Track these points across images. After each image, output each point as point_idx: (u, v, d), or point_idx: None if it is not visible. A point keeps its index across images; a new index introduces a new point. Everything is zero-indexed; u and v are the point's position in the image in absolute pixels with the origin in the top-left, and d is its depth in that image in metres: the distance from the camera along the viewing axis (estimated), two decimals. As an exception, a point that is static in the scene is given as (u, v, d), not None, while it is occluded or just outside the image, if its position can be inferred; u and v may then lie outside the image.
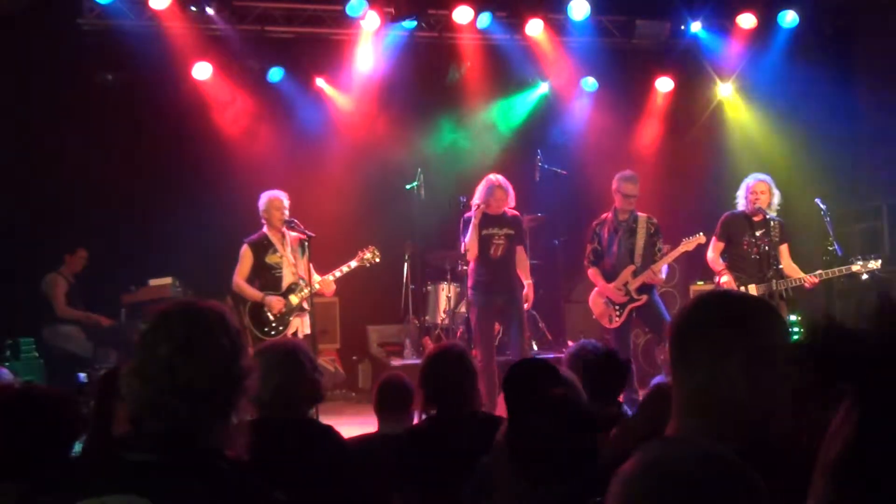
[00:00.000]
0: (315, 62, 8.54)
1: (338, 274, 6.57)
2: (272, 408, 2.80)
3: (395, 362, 8.16)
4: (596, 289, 6.69)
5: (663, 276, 6.82)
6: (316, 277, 6.48)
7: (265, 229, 6.49)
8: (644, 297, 6.46)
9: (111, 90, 7.89)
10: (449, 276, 8.21)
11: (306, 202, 7.52)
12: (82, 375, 5.18)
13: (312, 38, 8.59)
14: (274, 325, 6.36)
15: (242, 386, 1.70)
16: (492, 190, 6.55)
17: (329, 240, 6.98)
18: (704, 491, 1.07)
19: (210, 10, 7.80)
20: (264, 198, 6.50)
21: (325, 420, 3.94)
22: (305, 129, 8.55)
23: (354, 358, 8.72)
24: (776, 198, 6.37)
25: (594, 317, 6.84)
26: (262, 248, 6.46)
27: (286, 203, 6.46)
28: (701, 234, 6.46)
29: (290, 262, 6.47)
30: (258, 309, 6.32)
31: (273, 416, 2.80)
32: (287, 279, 6.46)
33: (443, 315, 8.18)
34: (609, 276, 6.57)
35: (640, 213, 6.66)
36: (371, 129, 8.64)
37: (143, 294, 7.79)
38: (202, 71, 8.08)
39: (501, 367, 6.59)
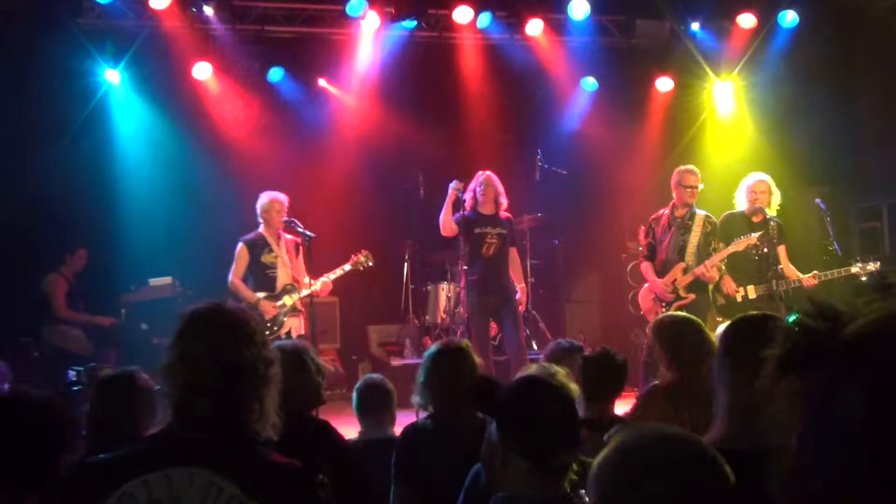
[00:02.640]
0: (315, 62, 8.54)
1: (332, 276, 6.59)
2: None
3: (395, 362, 8.16)
4: (646, 284, 6.67)
5: (716, 274, 6.39)
6: (323, 276, 6.54)
7: (261, 229, 6.53)
8: (692, 296, 6.32)
9: (111, 90, 7.89)
10: (449, 276, 8.21)
11: (306, 202, 7.52)
12: (72, 373, 5.17)
13: (312, 38, 8.59)
14: (268, 325, 6.38)
15: (272, 371, 1.89)
16: (481, 182, 6.59)
17: (329, 240, 6.99)
18: (664, 470, 1.19)
19: (209, 10, 7.80)
20: (265, 198, 6.53)
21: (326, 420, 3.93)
22: (305, 129, 8.55)
23: (354, 358, 8.72)
24: (775, 198, 6.36)
25: (641, 312, 6.78)
26: (258, 247, 6.51)
27: (286, 205, 6.49)
28: (753, 234, 6.21)
29: (286, 263, 6.51)
30: (252, 309, 6.34)
31: None
32: (282, 280, 6.52)
33: (443, 315, 8.18)
34: (658, 273, 6.49)
35: (698, 211, 6.47)
36: (371, 128, 8.64)
37: (143, 294, 7.79)
38: (202, 71, 8.08)
39: (499, 367, 6.61)
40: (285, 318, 6.49)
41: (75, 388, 5.01)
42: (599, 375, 3.42)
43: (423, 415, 3.24)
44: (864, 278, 6.16)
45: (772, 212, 6.34)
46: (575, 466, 2.02)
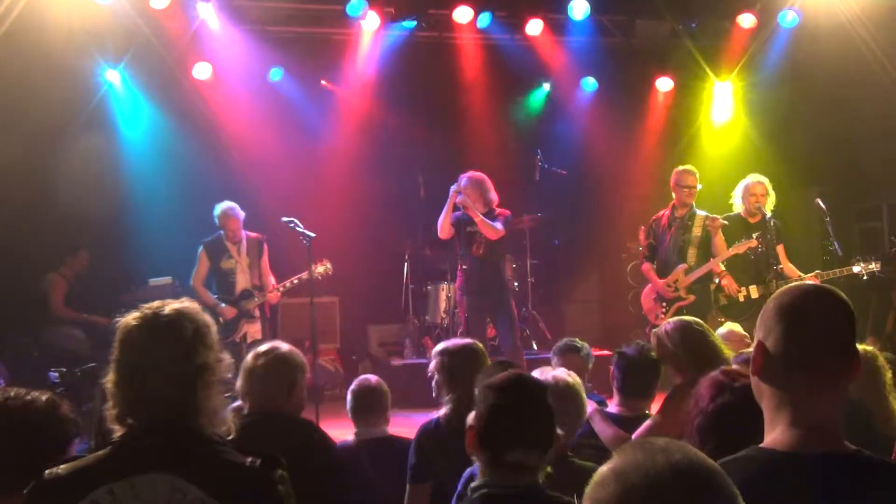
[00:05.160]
0: (315, 62, 8.55)
1: (288, 285, 6.70)
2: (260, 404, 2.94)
3: (395, 362, 8.17)
4: (648, 284, 6.67)
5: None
6: (271, 280, 6.68)
7: (221, 232, 6.69)
8: (692, 297, 6.32)
9: (111, 90, 7.89)
10: (449, 276, 8.21)
11: (306, 202, 7.53)
12: (54, 374, 5.17)
13: (312, 38, 8.59)
14: (223, 327, 6.51)
15: (217, 376, 1.89)
16: (464, 186, 6.54)
17: (329, 240, 6.99)
18: (663, 500, 1.04)
19: (209, 10, 7.79)
20: (217, 209, 6.71)
21: (326, 420, 3.95)
22: (305, 129, 8.56)
23: (354, 358, 8.72)
24: (772, 199, 6.38)
25: (643, 312, 6.80)
26: (217, 252, 6.69)
27: (239, 219, 6.65)
28: (754, 236, 6.25)
29: (244, 269, 6.67)
30: (210, 313, 6.41)
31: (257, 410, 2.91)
32: (240, 285, 6.67)
33: (443, 315, 8.18)
34: (659, 273, 6.51)
35: (698, 211, 6.47)
36: (370, 128, 8.64)
37: (143, 294, 7.78)
38: (202, 71, 8.08)
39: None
40: (240, 323, 6.64)
41: (59, 391, 5.00)
42: (634, 371, 3.42)
43: (436, 413, 3.23)
44: (865, 277, 6.16)
45: (768, 212, 6.36)
46: (549, 468, 2.05)
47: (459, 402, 3.07)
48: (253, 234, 6.78)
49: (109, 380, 1.86)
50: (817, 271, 6.23)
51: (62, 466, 1.79)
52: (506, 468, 1.97)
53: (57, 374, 5.17)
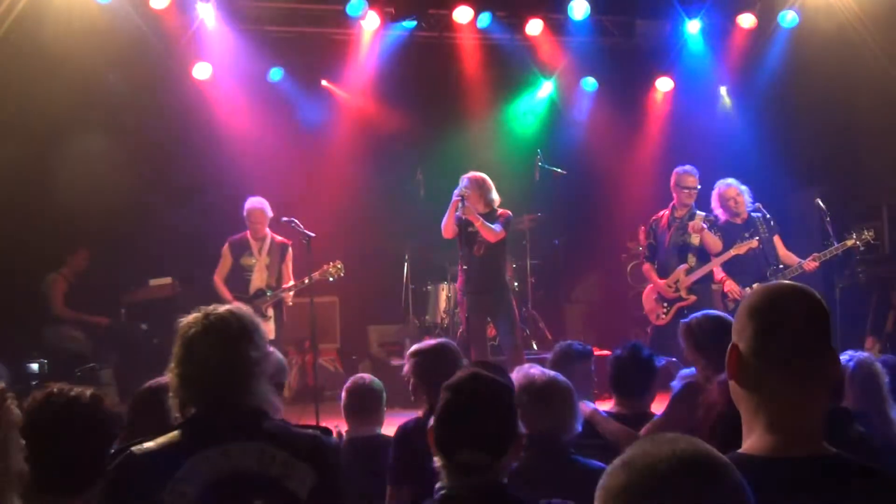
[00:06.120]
0: (315, 62, 8.55)
1: (299, 285, 6.69)
2: None
3: (395, 362, 8.15)
4: (649, 285, 6.66)
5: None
6: (290, 283, 6.68)
7: (248, 231, 6.70)
8: (693, 298, 6.32)
9: (111, 90, 7.89)
10: (449, 276, 8.21)
11: (306, 202, 7.54)
12: (33, 365, 5.14)
13: (312, 38, 8.59)
14: None
15: (263, 364, 2.10)
16: (466, 186, 6.46)
17: (329, 240, 6.99)
18: (676, 490, 1.07)
19: (209, 10, 7.79)
20: (248, 204, 6.70)
21: (326, 421, 3.95)
22: (305, 129, 8.56)
23: (354, 358, 8.72)
24: (747, 195, 6.40)
25: (644, 312, 6.80)
26: (240, 249, 6.71)
27: (268, 214, 6.63)
28: (755, 239, 6.24)
29: (262, 269, 6.66)
30: None
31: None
32: (255, 284, 6.67)
33: (443, 315, 8.18)
34: (659, 273, 6.52)
35: (698, 211, 6.48)
36: (370, 128, 8.64)
37: (143, 294, 7.79)
38: (202, 71, 8.08)
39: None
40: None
41: (34, 383, 4.97)
42: (626, 371, 3.44)
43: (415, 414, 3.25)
44: (861, 248, 6.19)
45: (750, 205, 6.38)
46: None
47: (435, 402, 3.08)
48: (279, 238, 6.77)
49: (172, 371, 2.04)
50: (814, 254, 6.25)
51: (147, 443, 1.93)
52: (458, 469, 1.96)
53: (38, 366, 5.13)
